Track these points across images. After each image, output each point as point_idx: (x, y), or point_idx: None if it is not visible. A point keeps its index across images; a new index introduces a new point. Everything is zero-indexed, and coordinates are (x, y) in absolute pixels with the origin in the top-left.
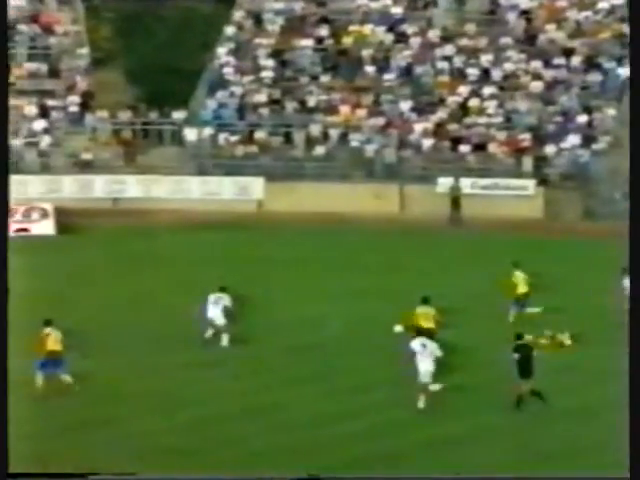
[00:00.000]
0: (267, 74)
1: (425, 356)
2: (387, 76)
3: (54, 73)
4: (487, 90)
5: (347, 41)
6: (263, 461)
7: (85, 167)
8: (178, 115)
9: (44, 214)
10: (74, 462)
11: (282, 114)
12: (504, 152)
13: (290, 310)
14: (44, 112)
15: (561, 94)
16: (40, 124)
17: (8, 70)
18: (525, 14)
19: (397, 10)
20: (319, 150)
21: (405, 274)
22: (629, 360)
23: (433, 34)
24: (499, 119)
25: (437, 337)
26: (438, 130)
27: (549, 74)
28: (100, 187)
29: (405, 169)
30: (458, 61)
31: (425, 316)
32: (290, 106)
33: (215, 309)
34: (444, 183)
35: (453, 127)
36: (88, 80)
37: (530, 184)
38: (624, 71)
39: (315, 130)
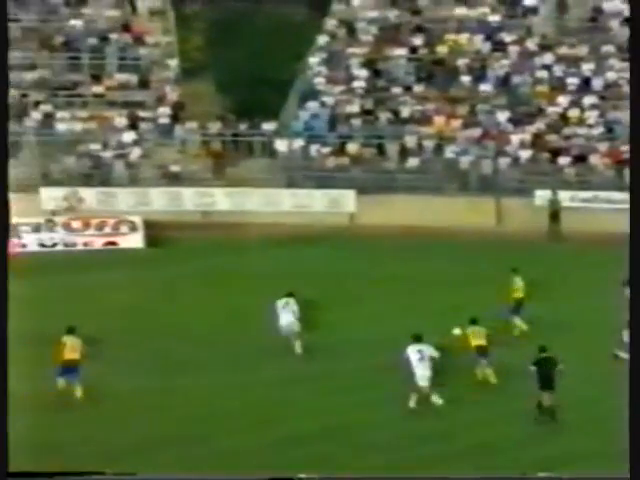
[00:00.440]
0: (360, 84)
1: (422, 361)
2: (483, 86)
3: (144, 84)
4: (588, 100)
5: (442, 50)
6: None
7: (174, 179)
8: (268, 126)
9: (133, 227)
10: None
11: (375, 125)
12: (605, 164)
13: (382, 327)
14: (134, 124)
15: None
16: (130, 136)
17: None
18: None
19: (495, 18)
20: (412, 162)
21: (500, 290)
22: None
23: (532, 43)
24: (600, 130)
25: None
26: (536, 141)
27: None
28: (189, 200)
29: (502, 181)
30: (558, 70)
31: (478, 334)
32: (383, 117)
33: (287, 315)
34: (542, 196)
35: (552, 138)
36: (178, 91)
37: None
38: None
39: (409, 141)
